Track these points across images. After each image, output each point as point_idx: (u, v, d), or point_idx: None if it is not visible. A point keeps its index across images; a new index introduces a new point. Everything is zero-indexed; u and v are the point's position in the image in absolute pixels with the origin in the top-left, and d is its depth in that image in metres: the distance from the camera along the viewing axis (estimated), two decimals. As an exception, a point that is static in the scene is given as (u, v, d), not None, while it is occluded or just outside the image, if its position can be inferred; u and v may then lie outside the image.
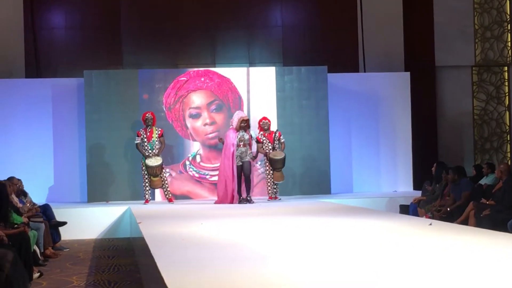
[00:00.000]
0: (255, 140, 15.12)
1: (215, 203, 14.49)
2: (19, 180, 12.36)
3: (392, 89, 17.43)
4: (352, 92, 17.26)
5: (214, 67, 17.36)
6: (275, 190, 15.20)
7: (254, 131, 15.20)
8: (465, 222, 11.07)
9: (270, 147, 15.08)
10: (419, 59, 18.43)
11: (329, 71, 16.74)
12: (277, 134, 15.23)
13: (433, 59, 18.56)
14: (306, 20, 18.47)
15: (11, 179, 11.88)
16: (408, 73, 17.56)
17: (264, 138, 15.13)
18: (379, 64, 17.99)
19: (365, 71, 18.00)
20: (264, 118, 15.41)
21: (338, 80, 17.14)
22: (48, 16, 17.81)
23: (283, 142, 15.25)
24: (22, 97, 16.39)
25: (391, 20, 18.24)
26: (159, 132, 15.01)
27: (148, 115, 15.02)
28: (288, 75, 16.67)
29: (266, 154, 15.09)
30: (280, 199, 15.14)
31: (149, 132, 14.90)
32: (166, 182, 15.08)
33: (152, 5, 17.91)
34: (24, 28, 17.38)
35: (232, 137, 14.37)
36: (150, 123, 14.96)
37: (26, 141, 16.29)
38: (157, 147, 14.87)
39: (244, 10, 18.18)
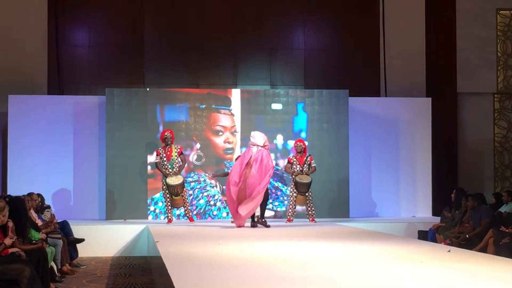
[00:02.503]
0: (287, 160, 15.35)
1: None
2: (38, 196, 12.40)
3: (413, 115, 17.40)
4: (373, 116, 17.25)
5: (236, 87, 17.41)
6: (294, 213, 15.22)
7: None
8: (484, 250, 10.99)
9: (298, 169, 15.07)
10: (441, 85, 18.41)
11: (350, 94, 16.74)
12: (308, 159, 15.22)
13: (455, 85, 18.51)
14: (328, 43, 18.49)
15: (30, 194, 11.92)
16: (430, 98, 17.54)
17: (295, 160, 15.15)
18: (400, 89, 17.99)
19: (386, 96, 17.99)
20: (300, 140, 15.50)
21: (359, 104, 17.14)
22: (72, 34, 17.92)
23: (314, 166, 15.23)
24: (44, 113, 16.47)
25: (414, 45, 18.28)
26: (179, 149, 14.98)
27: (167, 133, 14.96)
28: (309, 97, 16.68)
29: (292, 176, 15.09)
30: (292, 220, 15.14)
31: (168, 150, 14.86)
32: (187, 201, 15.06)
33: (175, 25, 17.99)
34: (48, 45, 17.50)
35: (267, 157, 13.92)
36: (169, 142, 14.92)
37: (47, 157, 16.36)
38: (177, 165, 14.84)
39: (266, 32, 18.24)
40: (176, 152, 14.87)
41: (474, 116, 18.68)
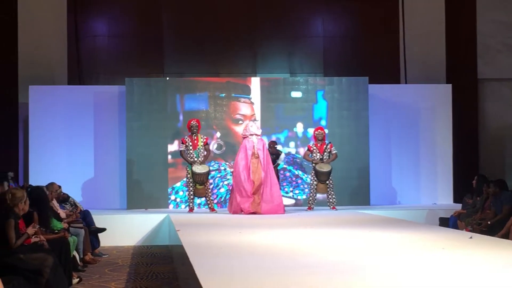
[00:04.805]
0: (307, 148, 15.39)
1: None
2: (59, 186, 12.44)
3: (433, 101, 17.32)
4: (392, 103, 17.19)
5: (255, 76, 17.39)
6: (314, 201, 15.24)
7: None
8: (505, 236, 10.94)
9: (318, 157, 15.06)
10: (461, 71, 18.29)
11: (370, 82, 16.69)
12: (328, 146, 15.19)
13: (475, 72, 18.39)
14: (347, 30, 18.44)
15: (51, 184, 11.97)
16: (450, 85, 17.45)
17: (315, 148, 15.14)
18: (420, 75, 17.90)
19: (406, 83, 17.92)
20: (320, 128, 15.46)
21: (379, 91, 17.08)
22: (91, 24, 17.97)
23: (335, 153, 15.19)
24: (64, 103, 16.54)
25: (433, 32, 18.17)
26: (205, 140, 14.96)
27: (193, 122, 14.93)
28: (329, 85, 16.64)
29: (313, 164, 15.08)
30: (312, 208, 15.16)
31: (195, 139, 14.84)
32: (210, 191, 15.06)
33: (194, 14, 17.99)
34: (68, 36, 17.55)
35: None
36: (195, 130, 14.89)
37: (67, 147, 16.43)
38: (202, 154, 14.84)
39: (285, 20, 18.20)
40: (202, 141, 14.84)
41: (495, 102, 18.56)
